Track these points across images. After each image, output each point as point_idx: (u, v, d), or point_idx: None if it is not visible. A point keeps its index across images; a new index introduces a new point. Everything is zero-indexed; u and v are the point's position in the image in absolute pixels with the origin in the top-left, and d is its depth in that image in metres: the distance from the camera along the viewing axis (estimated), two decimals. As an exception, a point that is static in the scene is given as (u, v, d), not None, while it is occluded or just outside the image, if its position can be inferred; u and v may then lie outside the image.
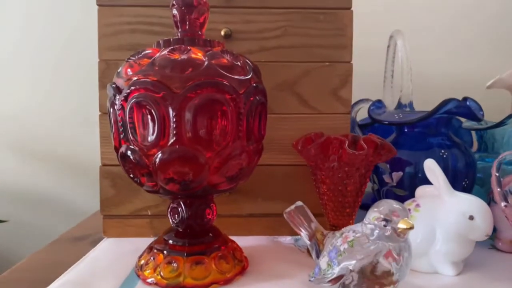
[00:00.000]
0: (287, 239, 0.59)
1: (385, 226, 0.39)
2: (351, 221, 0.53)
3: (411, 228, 0.38)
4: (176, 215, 0.47)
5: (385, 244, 0.39)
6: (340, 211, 0.52)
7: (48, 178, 0.97)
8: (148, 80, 0.40)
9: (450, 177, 0.55)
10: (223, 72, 0.42)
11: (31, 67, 0.94)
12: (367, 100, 0.66)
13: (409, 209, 0.49)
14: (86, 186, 0.95)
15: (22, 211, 0.98)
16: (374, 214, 0.40)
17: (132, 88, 0.41)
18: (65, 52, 0.93)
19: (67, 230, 0.66)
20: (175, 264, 0.44)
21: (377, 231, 0.40)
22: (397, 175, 0.57)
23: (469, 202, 0.46)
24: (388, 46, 0.79)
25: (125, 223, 0.60)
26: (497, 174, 0.49)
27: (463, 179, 0.56)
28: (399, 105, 0.69)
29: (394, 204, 0.40)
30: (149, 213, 0.60)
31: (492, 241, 0.57)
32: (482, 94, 0.83)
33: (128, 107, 0.41)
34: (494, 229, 0.56)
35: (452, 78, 0.96)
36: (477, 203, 0.46)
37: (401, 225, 0.38)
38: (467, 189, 0.56)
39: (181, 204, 0.46)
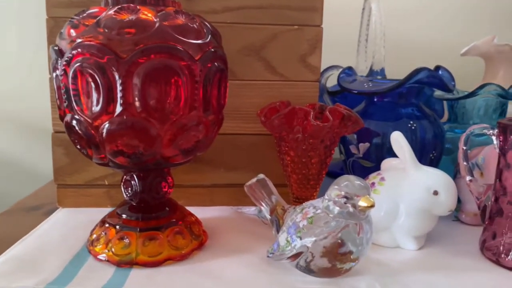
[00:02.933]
0: (251, 210, 0.57)
1: (345, 203, 0.38)
2: (315, 193, 0.52)
3: (372, 206, 0.37)
4: (129, 188, 0.44)
5: (345, 222, 0.38)
6: (303, 183, 0.51)
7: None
8: (92, 43, 0.36)
9: (418, 149, 0.54)
10: (176, 35, 0.38)
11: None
12: (337, 66, 0.63)
13: (374, 183, 0.47)
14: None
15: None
16: (334, 191, 0.38)
17: (74, 52, 0.37)
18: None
19: (22, 199, 0.63)
20: (127, 240, 0.42)
21: (337, 208, 0.38)
22: (363, 146, 0.55)
23: (434, 177, 0.45)
24: (363, 9, 0.76)
25: (80, 193, 0.57)
26: (464, 148, 0.48)
27: (431, 150, 0.54)
28: (371, 72, 0.66)
29: (356, 181, 0.38)
30: (106, 183, 0.57)
31: (456, 213, 0.56)
32: (457, 62, 0.81)
33: (71, 72, 0.37)
34: (459, 201, 0.56)
35: (427, 45, 0.94)
36: (442, 178, 0.45)
37: (362, 203, 0.37)
38: (434, 161, 0.55)
39: (134, 177, 0.44)
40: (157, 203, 0.45)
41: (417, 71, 0.51)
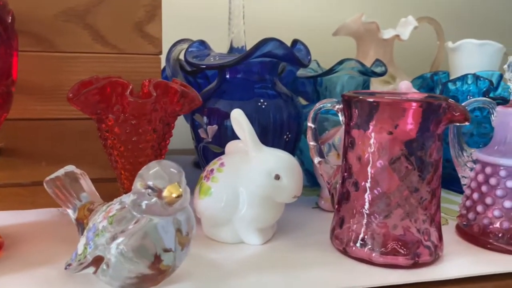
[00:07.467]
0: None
1: (149, 195, 0.30)
2: (150, 186, 0.44)
3: (179, 196, 0.29)
4: None
5: (151, 218, 0.30)
6: (133, 175, 0.42)
7: None
8: None
9: (270, 130, 0.48)
10: None
11: None
12: (188, 40, 0.56)
13: (212, 169, 0.41)
14: None
15: None
16: (139, 181, 0.31)
17: None
18: None
19: None
20: None
21: (145, 202, 0.30)
22: (212, 129, 0.48)
23: (276, 159, 0.39)
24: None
25: None
26: (312, 126, 0.43)
27: (285, 132, 0.49)
28: (231, 49, 0.59)
29: (165, 167, 0.30)
30: None
31: (317, 199, 0.52)
32: (334, 44, 0.78)
33: None
34: (319, 186, 0.52)
35: (297, 26, 0.90)
36: (284, 160, 0.39)
37: (166, 193, 0.29)
38: (290, 143, 0.50)
39: None
40: None
41: (265, 41, 0.45)
